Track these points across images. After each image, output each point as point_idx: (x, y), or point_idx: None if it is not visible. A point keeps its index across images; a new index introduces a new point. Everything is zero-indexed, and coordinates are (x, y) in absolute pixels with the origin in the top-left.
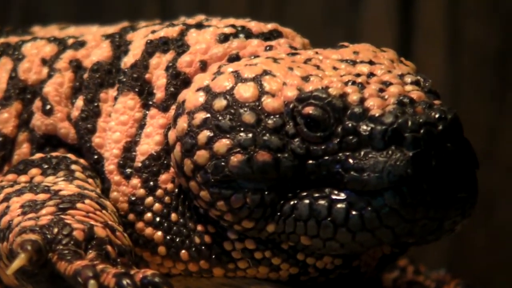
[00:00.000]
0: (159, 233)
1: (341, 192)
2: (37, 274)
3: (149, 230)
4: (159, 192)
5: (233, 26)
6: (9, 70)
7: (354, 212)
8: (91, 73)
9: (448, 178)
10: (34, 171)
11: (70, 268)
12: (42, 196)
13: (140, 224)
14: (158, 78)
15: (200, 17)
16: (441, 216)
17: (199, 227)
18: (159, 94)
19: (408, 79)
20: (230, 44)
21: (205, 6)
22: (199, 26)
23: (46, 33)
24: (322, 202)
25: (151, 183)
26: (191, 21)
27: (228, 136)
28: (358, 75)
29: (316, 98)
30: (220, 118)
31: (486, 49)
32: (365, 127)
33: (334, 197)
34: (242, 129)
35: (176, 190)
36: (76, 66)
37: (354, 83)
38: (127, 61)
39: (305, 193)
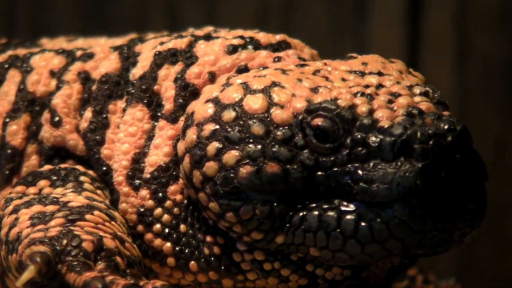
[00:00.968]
0: (168, 244)
1: (350, 204)
2: (47, 286)
3: (158, 241)
4: (168, 203)
5: (241, 37)
6: (17, 82)
7: (363, 224)
8: (99, 84)
9: (457, 189)
10: (43, 182)
11: (80, 280)
12: (51, 208)
13: (149, 236)
14: (167, 89)
15: (209, 29)
16: (451, 227)
17: (208, 238)
18: (168, 105)
19: (417, 90)
20: (239, 55)
21: (213, 18)
22: (208, 37)
23: (54, 45)
24: (331, 213)
25: (160, 194)
26: (199, 32)
27: (237, 147)
28: (367, 86)
29: (325, 110)
30: (229, 129)
31: (494, 60)
32: (374, 139)
33: (343, 208)
34: (251, 140)
35: (185, 201)
36: (85, 78)
37: (363, 94)
38: (136, 72)
39: (314, 205)
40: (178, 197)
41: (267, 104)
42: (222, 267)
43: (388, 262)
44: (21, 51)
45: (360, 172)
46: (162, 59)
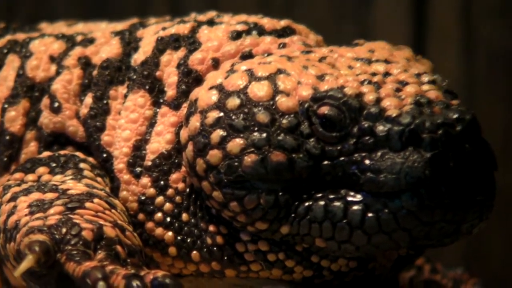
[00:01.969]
0: (170, 233)
1: (357, 194)
2: (45, 275)
3: (159, 231)
4: (170, 191)
5: (245, 22)
6: (16, 67)
7: (370, 214)
8: (100, 70)
9: (467, 180)
10: (41, 169)
11: (79, 269)
12: (50, 195)
13: (150, 224)
14: (169, 75)
15: (212, 14)
16: (459, 219)
17: (211, 228)
18: (170, 91)
19: (425, 78)
20: (243, 41)
21: (214, 6)
22: (211, 23)
23: (54, 30)
24: (337, 203)
25: (162, 182)
26: (202, 17)
27: (241, 135)
28: (374, 74)
29: (331, 98)
30: (233, 117)
31: (500, 48)
32: (381, 128)
33: (350, 198)
34: (256, 128)
35: (188, 189)
36: (85, 63)
37: (370, 82)
38: (137, 58)
39: (320, 195)
40: (180, 185)
41: (272, 92)
42: (225, 258)
43: (395, 253)
44: (20, 36)
45: (367, 161)
46: (165, 44)
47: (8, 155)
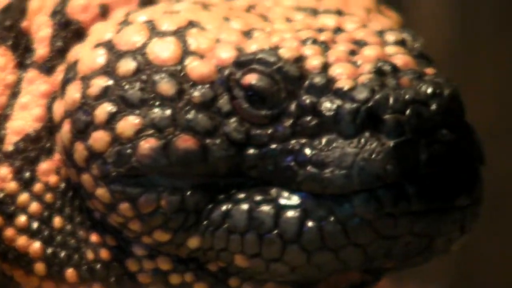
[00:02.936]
0: (37, 244)
1: (293, 195)
2: None
3: (22, 240)
4: (37, 186)
5: None
6: None
7: (310, 224)
8: None
9: (443, 178)
10: None
11: None
12: None
13: (9, 232)
14: (40, 27)
15: None
16: (432, 231)
17: (94, 238)
18: (41, 50)
19: (391, 37)
20: None
21: None
22: None
23: None
24: (266, 208)
25: (27, 173)
26: None
27: (137, 112)
28: (320, 30)
29: (261, 63)
30: (126, 87)
31: None
32: (328, 105)
33: (283, 201)
34: (157, 103)
35: (62, 185)
36: None
37: (315, 41)
38: None
39: (243, 195)
40: (52, 178)
41: (181, 53)
42: (112, 279)
43: (344, 277)
44: None
45: (307, 151)
46: None
47: None
